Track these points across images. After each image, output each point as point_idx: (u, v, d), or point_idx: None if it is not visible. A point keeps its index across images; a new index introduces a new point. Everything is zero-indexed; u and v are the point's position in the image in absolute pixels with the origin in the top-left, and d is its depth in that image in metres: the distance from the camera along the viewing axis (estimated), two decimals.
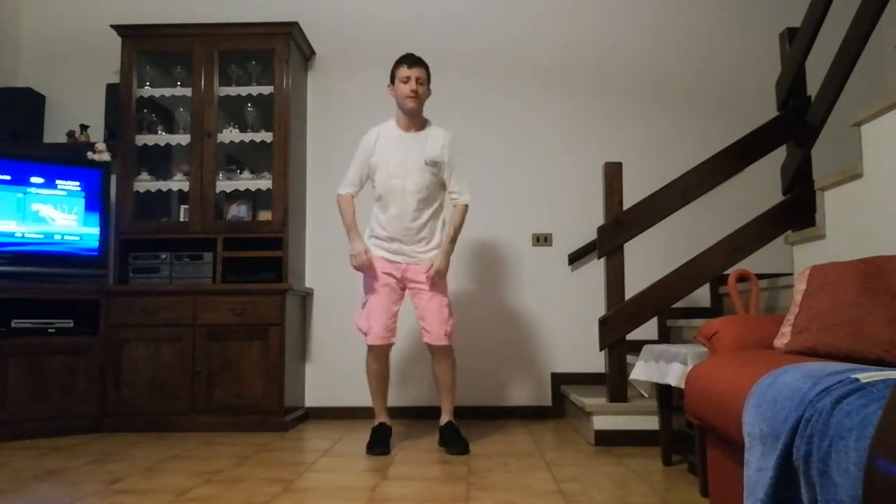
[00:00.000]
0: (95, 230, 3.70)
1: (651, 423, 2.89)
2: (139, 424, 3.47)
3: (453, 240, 3.01)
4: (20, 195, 3.53)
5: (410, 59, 2.99)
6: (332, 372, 3.94)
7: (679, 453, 2.68)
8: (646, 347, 2.71)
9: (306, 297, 4.00)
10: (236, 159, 3.96)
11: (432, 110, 4.05)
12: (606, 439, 3.00)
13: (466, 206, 3.03)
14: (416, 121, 3.02)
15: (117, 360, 3.51)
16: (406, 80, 2.95)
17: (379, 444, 2.94)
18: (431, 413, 3.64)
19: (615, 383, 3.05)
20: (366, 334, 2.98)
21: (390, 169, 2.95)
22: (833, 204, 2.51)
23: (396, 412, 3.85)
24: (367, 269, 2.97)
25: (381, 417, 3.07)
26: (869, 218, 2.26)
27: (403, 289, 3.03)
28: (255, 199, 3.84)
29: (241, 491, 2.27)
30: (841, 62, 2.70)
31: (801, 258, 2.78)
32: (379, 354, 3.01)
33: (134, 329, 3.53)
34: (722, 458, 1.85)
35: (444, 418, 3.06)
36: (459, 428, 3.03)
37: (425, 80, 3.00)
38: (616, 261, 3.10)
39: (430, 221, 2.99)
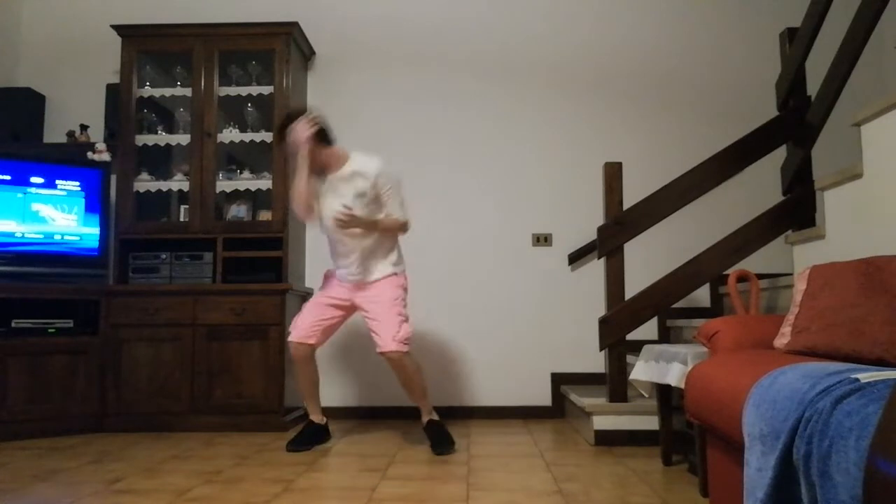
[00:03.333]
0: (95, 230, 3.71)
1: (651, 423, 2.89)
2: (139, 424, 3.47)
3: (375, 223, 2.92)
4: (20, 195, 3.53)
5: (280, 134, 2.93)
6: (331, 372, 3.94)
7: (679, 453, 2.69)
8: (646, 347, 2.71)
9: (306, 297, 4.00)
10: (236, 159, 3.96)
11: (433, 110, 4.08)
12: (606, 439, 3.00)
13: (401, 222, 2.97)
14: (332, 164, 2.96)
15: (117, 360, 3.51)
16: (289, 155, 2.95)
17: (303, 442, 3.00)
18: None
19: (615, 383, 3.05)
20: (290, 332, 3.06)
21: (324, 213, 2.97)
22: (833, 204, 2.51)
23: (397, 412, 3.87)
24: (299, 148, 2.87)
25: (315, 417, 3.13)
26: (869, 218, 2.26)
27: (348, 310, 3.07)
28: (255, 199, 3.84)
29: (241, 491, 2.27)
30: (841, 62, 2.70)
31: (801, 258, 2.78)
32: (296, 354, 3.02)
33: (134, 329, 3.53)
34: (722, 458, 1.85)
35: (424, 418, 3.07)
36: (443, 424, 3.03)
37: (307, 146, 2.86)
38: (616, 261, 3.10)
39: (374, 251, 2.98)
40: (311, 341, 3.02)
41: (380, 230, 2.96)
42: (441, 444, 2.93)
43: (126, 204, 3.73)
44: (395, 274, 3.02)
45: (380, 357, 2.96)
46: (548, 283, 3.97)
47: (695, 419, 1.97)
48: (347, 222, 2.83)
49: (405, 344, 2.91)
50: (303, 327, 3.02)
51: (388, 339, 2.89)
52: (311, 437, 3.06)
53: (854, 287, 1.75)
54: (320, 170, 2.96)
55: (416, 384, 3.01)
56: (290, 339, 3.04)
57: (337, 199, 2.92)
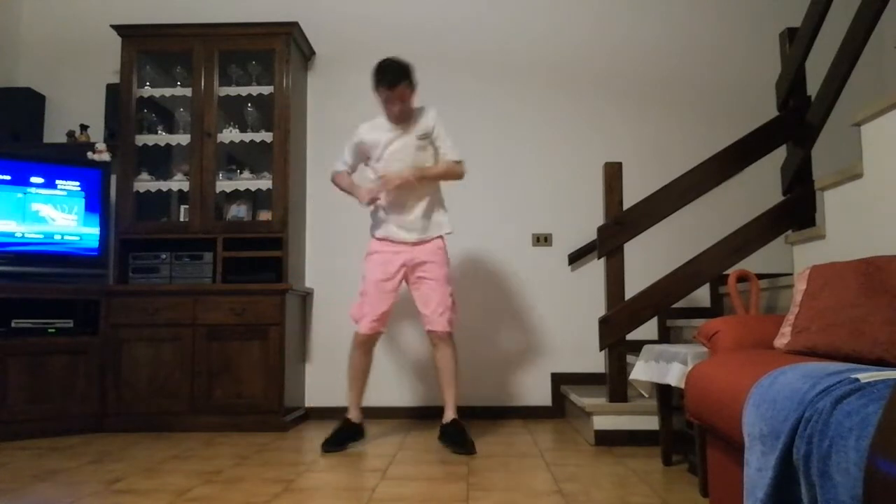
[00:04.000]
0: (95, 230, 3.71)
1: (651, 423, 2.89)
2: (139, 424, 3.47)
3: (434, 174, 3.03)
4: (20, 195, 3.53)
5: (388, 81, 2.91)
6: (332, 372, 3.93)
7: (679, 453, 2.68)
8: (646, 347, 2.71)
9: (306, 297, 4.00)
10: (236, 159, 3.96)
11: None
12: (606, 439, 3.00)
13: (455, 161, 3.06)
14: (405, 119, 3.04)
15: (117, 360, 3.51)
16: (387, 100, 2.95)
17: (334, 442, 2.97)
18: (430, 413, 3.65)
19: (615, 383, 3.05)
20: (356, 321, 3.02)
21: (386, 155, 3.00)
22: (833, 204, 2.51)
23: (396, 412, 3.87)
24: (377, 194, 2.95)
25: (353, 413, 3.09)
26: (869, 218, 2.26)
27: (402, 280, 3.05)
28: (255, 199, 3.84)
29: (241, 491, 2.27)
30: (841, 62, 2.70)
31: (801, 258, 2.78)
32: (367, 344, 3.04)
33: (134, 329, 3.53)
34: (722, 458, 1.85)
35: (449, 415, 3.04)
36: (466, 427, 3.00)
37: (408, 94, 2.96)
38: (616, 261, 3.10)
39: (430, 201, 3.06)
40: (382, 328, 3.04)
41: (444, 178, 3.06)
42: (463, 444, 2.90)
43: (126, 204, 3.73)
44: (444, 237, 3.09)
45: (425, 335, 3.08)
46: (548, 283, 3.97)
47: (695, 419, 1.97)
48: (419, 178, 2.92)
49: (452, 324, 3.02)
50: (374, 316, 2.98)
51: (440, 319, 2.98)
52: (347, 436, 3.02)
53: (854, 287, 1.75)
54: (396, 117, 2.98)
55: (455, 370, 3.04)
56: (360, 330, 2.99)
57: (403, 140, 2.98)
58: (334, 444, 2.96)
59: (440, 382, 3.09)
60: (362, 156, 3.11)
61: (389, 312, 3.05)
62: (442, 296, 3.01)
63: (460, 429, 2.97)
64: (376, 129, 3.05)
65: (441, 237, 3.09)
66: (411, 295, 3.10)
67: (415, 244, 3.03)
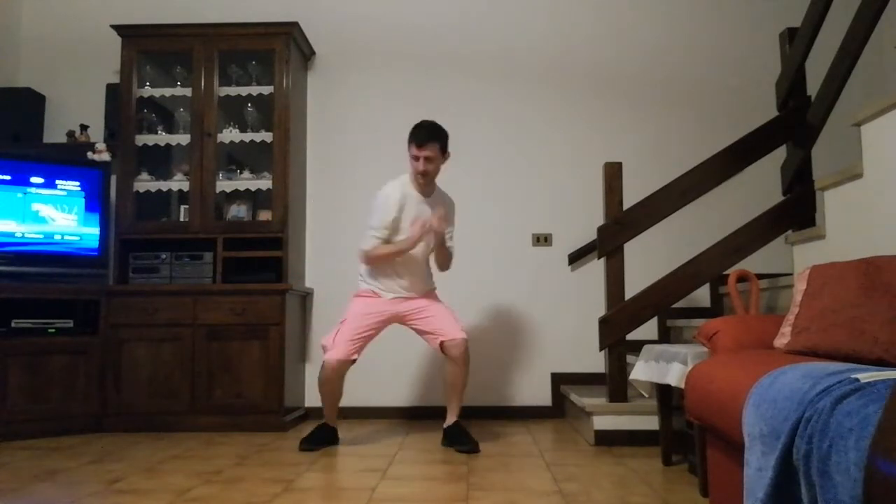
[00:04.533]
0: (95, 230, 3.70)
1: (651, 423, 2.89)
2: (139, 424, 3.47)
3: (446, 254, 3.13)
4: (20, 195, 3.53)
5: (421, 138, 2.95)
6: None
7: (679, 453, 2.68)
8: (646, 347, 2.71)
9: (306, 297, 4.00)
10: (236, 159, 3.96)
11: (433, 110, 4.06)
12: (606, 439, 3.00)
13: (451, 254, 3.17)
14: (429, 187, 3.09)
15: (117, 360, 3.51)
16: (417, 159, 2.97)
17: (313, 441, 3.00)
18: (430, 413, 3.65)
19: (615, 383, 3.05)
20: (325, 350, 2.99)
21: (407, 227, 3.00)
22: (833, 204, 2.51)
23: (395, 412, 3.87)
24: (427, 225, 2.95)
25: (330, 421, 3.11)
26: (869, 218, 2.26)
27: (386, 323, 3.07)
28: (255, 199, 3.84)
29: (241, 491, 2.27)
30: (841, 62, 2.70)
31: (801, 258, 2.78)
32: (338, 371, 2.96)
33: (134, 329, 3.53)
34: (722, 458, 1.85)
35: (452, 419, 3.08)
36: (467, 427, 3.06)
37: (437, 155, 2.99)
38: (616, 261, 3.10)
39: (428, 266, 3.18)
40: (354, 357, 2.99)
41: (443, 254, 3.12)
42: (467, 441, 2.95)
43: (126, 204, 3.73)
44: (434, 289, 3.22)
45: (437, 351, 3.09)
46: (548, 283, 3.97)
47: (695, 419, 1.97)
48: (442, 224, 2.95)
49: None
50: (343, 343, 2.94)
51: (455, 328, 3.02)
52: (323, 437, 3.06)
53: (854, 287, 1.76)
54: (422, 177, 3.00)
55: (466, 377, 3.08)
56: (330, 357, 2.92)
57: (424, 217, 2.98)
58: (313, 443, 3.00)
59: (449, 393, 3.10)
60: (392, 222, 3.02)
61: (365, 346, 3.03)
62: (450, 314, 3.09)
63: (463, 428, 3.02)
64: (411, 203, 3.02)
65: (430, 290, 3.19)
66: (417, 331, 3.12)
67: (404, 299, 3.06)
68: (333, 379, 2.97)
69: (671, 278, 3.04)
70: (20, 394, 3.30)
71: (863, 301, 1.69)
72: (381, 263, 3.03)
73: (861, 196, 2.32)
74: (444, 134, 3.01)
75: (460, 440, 2.97)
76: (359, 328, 2.98)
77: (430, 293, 3.17)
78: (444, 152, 3.02)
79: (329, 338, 3.01)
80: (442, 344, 3.01)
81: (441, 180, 3.16)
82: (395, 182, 3.06)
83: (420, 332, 3.12)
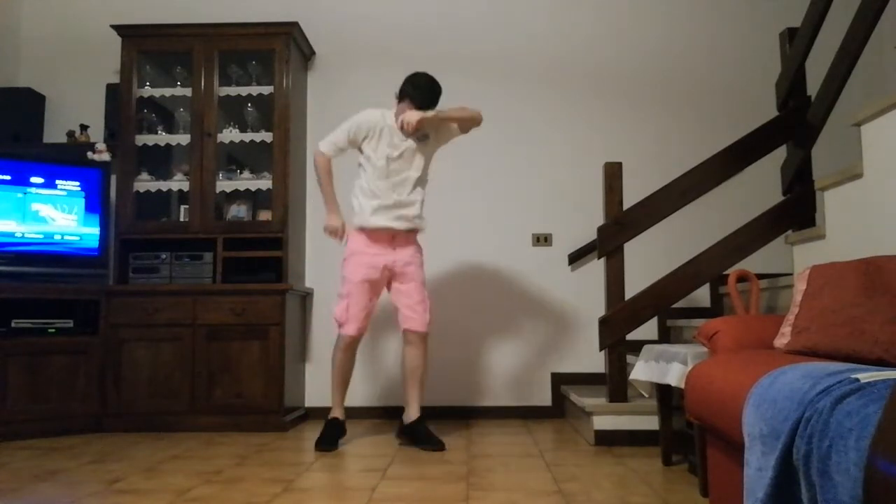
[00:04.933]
0: (95, 230, 3.70)
1: (651, 423, 2.89)
2: (139, 424, 3.47)
3: (452, 116, 3.09)
4: (20, 195, 3.53)
5: (426, 102, 2.99)
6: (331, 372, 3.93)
7: (679, 453, 2.68)
8: (646, 347, 2.71)
9: (306, 297, 4.00)
10: (236, 159, 3.96)
11: None
12: (606, 439, 3.00)
13: (475, 114, 3.11)
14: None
15: (117, 360, 3.51)
16: (404, 119, 2.97)
17: (329, 441, 3.00)
18: (430, 413, 3.64)
19: (615, 383, 3.05)
20: (341, 325, 3.03)
21: (393, 154, 3.01)
22: (833, 204, 2.51)
23: (396, 412, 3.86)
24: (338, 237, 3.10)
25: (338, 412, 3.10)
26: (869, 218, 2.26)
27: (383, 282, 3.07)
28: (255, 199, 3.84)
29: (241, 491, 2.27)
30: (841, 62, 2.70)
31: (801, 258, 2.78)
32: (354, 345, 3.06)
33: (134, 329, 3.53)
34: (722, 458, 1.85)
35: (413, 414, 3.08)
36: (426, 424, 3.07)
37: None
38: (616, 261, 3.10)
39: (419, 191, 3.10)
40: (366, 330, 3.07)
41: (462, 119, 3.09)
42: (433, 440, 2.96)
43: (126, 204, 3.73)
44: (418, 241, 3.14)
45: (398, 335, 3.11)
46: (548, 283, 3.97)
47: (695, 419, 1.97)
48: (421, 120, 2.94)
49: (429, 326, 3.09)
50: (359, 318, 3.01)
51: (422, 318, 3.04)
52: (337, 434, 3.06)
53: (854, 287, 1.75)
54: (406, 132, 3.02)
55: (425, 369, 3.10)
56: (347, 332, 3.00)
57: (408, 144, 3.03)
58: (330, 443, 2.99)
59: (407, 379, 3.12)
60: (357, 139, 3.06)
61: (371, 314, 3.09)
62: (422, 296, 3.07)
63: (427, 427, 3.03)
64: (384, 131, 3.03)
65: (417, 242, 3.14)
66: (391, 295, 3.12)
67: (395, 247, 3.04)
68: (352, 352, 3.06)
69: (671, 278, 3.04)
70: (20, 394, 3.30)
71: (863, 301, 1.69)
72: (319, 176, 3.12)
73: (861, 196, 2.32)
74: (440, 94, 3.05)
75: (426, 440, 2.96)
76: (363, 301, 3.01)
77: (416, 245, 3.11)
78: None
79: (341, 311, 3.02)
80: (405, 330, 3.06)
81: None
82: (378, 110, 3.09)
83: (394, 299, 3.10)
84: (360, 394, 3.89)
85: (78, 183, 3.67)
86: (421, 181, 3.09)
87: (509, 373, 3.93)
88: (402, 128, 2.98)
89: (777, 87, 3.20)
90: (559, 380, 3.89)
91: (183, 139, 3.82)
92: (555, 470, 2.55)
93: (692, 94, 4.06)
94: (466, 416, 3.86)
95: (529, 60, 4.11)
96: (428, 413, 3.69)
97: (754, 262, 3.05)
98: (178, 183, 3.81)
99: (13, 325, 3.35)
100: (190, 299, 3.55)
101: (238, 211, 3.83)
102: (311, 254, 4.04)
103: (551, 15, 4.14)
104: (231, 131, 3.84)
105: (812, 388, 1.25)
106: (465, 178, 3.99)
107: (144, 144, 3.82)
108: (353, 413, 3.85)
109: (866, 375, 1.21)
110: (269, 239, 3.68)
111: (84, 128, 3.95)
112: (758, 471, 1.33)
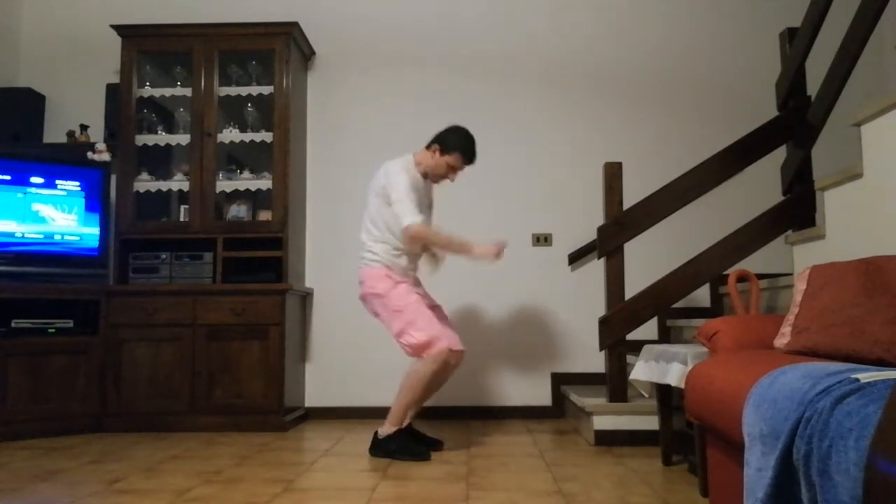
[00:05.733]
0: (95, 230, 3.70)
1: (651, 423, 2.89)
2: (139, 424, 3.47)
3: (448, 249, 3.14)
4: (20, 195, 3.53)
5: (474, 158, 3.05)
6: (332, 372, 3.94)
7: (679, 453, 2.68)
8: (646, 347, 2.71)
9: (306, 297, 4.00)
10: (236, 159, 3.96)
11: (433, 110, 4.07)
12: (606, 439, 3.00)
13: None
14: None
15: (117, 360, 3.51)
16: (454, 171, 3.04)
17: (422, 451, 2.84)
18: (431, 413, 3.65)
19: (615, 383, 3.05)
20: (435, 342, 2.83)
21: (425, 203, 3.08)
22: (833, 204, 2.51)
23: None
24: (502, 247, 3.00)
25: (408, 419, 2.99)
26: (869, 218, 2.26)
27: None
28: (255, 199, 3.84)
29: (241, 491, 2.27)
30: (841, 62, 2.70)
31: (801, 258, 2.78)
32: (457, 360, 2.93)
33: (134, 329, 3.53)
34: (722, 458, 1.85)
35: (385, 429, 2.89)
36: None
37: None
38: (616, 261, 3.10)
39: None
40: (459, 343, 2.97)
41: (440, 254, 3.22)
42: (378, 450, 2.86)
43: (126, 204, 3.73)
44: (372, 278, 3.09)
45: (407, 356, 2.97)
46: (548, 283, 3.97)
47: (695, 419, 1.97)
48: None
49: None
50: (444, 330, 2.91)
51: (406, 351, 2.92)
52: (418, 439, 2.97)
53: (854, 287, 1.75)
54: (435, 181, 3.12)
55: (413, 381, 2.89)
56: (454, 344, 2.87)
57: (427, 197, 3.14)
58: (430, 445, 2.92)
59: (401, 387, 2.93)
60: None
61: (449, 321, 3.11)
62: (393, 332, 2.99)
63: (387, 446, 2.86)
64: (418, 184, 3.02)
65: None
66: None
67: (416, 281, 3.12)
68: (450, 370, 2.94)
69: (671, 278, 3.04)
70: (20, 394, 3.30)
71: (863, 301, 1.69)
72: (417, 244, 3.02)
73: (861, 196, 2.32)
74: None
75: (391, 451, 2.82)
76: (430, 314, 2.90)
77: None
78: None
79: (424, 333, 2.83)
80: None
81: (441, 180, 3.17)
82: (402, 163, 3.00)
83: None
84: (361, 394, 3.90)
85: (78, 183, 3.67)
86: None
87: (509, 373, 3.93)
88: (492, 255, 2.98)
89: (777, 87, 3.20)
90: (559, 380, 3.89)
91: (183, 139, 3.82)
92: (555, 470, 2.55)
93: (692, 94, 4.06)
94: (467, 416, 3.86)
95: (529, 60, 4.11)
96: (429, 413, 3.71)
97: (754, 262, 3.05)
98: (178, 183, 3.81)
99: (13, 325, 3.35)
100: (190, 299, 3.55)
101: (238, 211, 3.83)
102: (311, 254, 4.04)
103: (551, 15, 4.14)
104: (231, 131, 3.84)
105: (812, 388, 1.25)
106: (464, 178, 3.98)
107: (144, 144, 3.82)
108: (355, 413, 3.86)
109: (866, 375, 1.21)
110: (269, 239, 3.68)
111: (84, 128, 3.95)
112: (758, 471, 1.33)
